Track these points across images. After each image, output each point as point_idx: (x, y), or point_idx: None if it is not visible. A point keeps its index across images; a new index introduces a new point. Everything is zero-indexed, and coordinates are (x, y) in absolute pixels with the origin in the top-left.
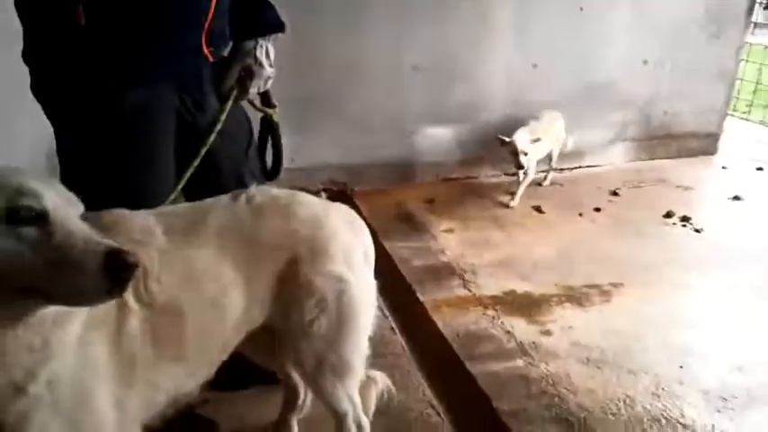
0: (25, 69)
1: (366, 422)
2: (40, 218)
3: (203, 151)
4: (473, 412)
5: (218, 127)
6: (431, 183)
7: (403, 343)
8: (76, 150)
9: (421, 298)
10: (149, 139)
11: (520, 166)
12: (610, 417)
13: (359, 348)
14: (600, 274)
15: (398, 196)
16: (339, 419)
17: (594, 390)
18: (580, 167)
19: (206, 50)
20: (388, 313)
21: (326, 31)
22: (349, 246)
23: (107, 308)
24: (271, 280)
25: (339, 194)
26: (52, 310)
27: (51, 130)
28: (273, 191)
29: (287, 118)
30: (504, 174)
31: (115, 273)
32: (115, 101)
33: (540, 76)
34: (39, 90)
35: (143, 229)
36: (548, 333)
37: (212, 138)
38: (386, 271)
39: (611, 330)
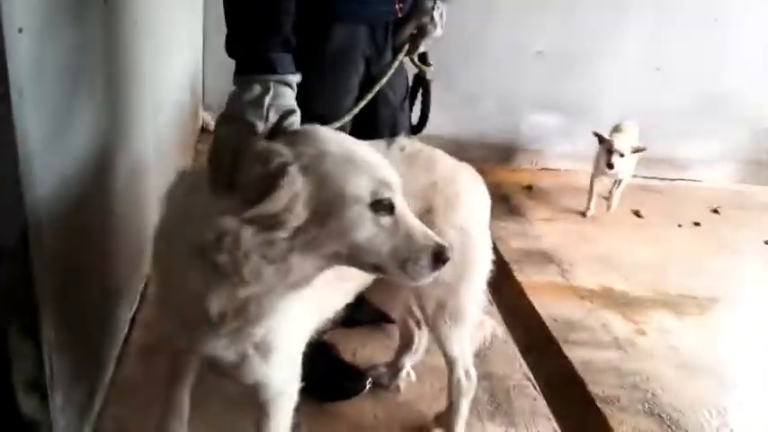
0: None
1: (474, 373)
2: (392, 208)
3: (376, 89)
4: (567, 392)
5: (390, 73)
6: (529, 169)
7: (500, 315)
8: None
9: (518, 277)
10: (345, 70)
11: (611, 165)
12: (702, 422)
13: (475, 298)
14: (697, 286)
15: (497, 177)
16: (450, 365)
17: (688, 394)
18: (682, 180)
19: (397, 6)
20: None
21: (453, 9)
22: (475, 203)
23: None
24: None
25: None
26: None
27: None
28: (418, 144)
29: None
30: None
31: (436, 263)
32: (326, 34)
33: (661, 81)
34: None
35: None
36: (643, 333)
37: (384, 81)
38: None
39: (707, 341)
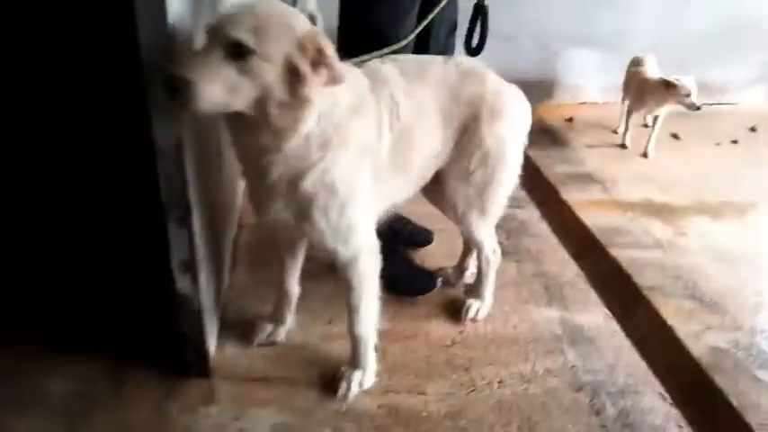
0: None
1: (499, 250)
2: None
3: (436, 11)
4: (615, 284)
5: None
6: (570, 104)
7: (549, 229)
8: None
9: (564, 197)
10: None
11: (697, 108)
12: (740, 302)
13: (501, 198)
14: (735, 194)
15: (538, 112)
16: (479, 248)
17: (728, 281)
18: (720, 104)
19: None
20: (534, 205)
21: None
22: (515, 117)
23: (372, 136)
24: (458, 129)
25: None
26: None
27: None
28: (473, 61)
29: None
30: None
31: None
32: None
33: (692, 10)
34: None
35: (388, 76)
36: (683, 234)
37: (443, 3)
38: (530, 174)
39: (745, 239)
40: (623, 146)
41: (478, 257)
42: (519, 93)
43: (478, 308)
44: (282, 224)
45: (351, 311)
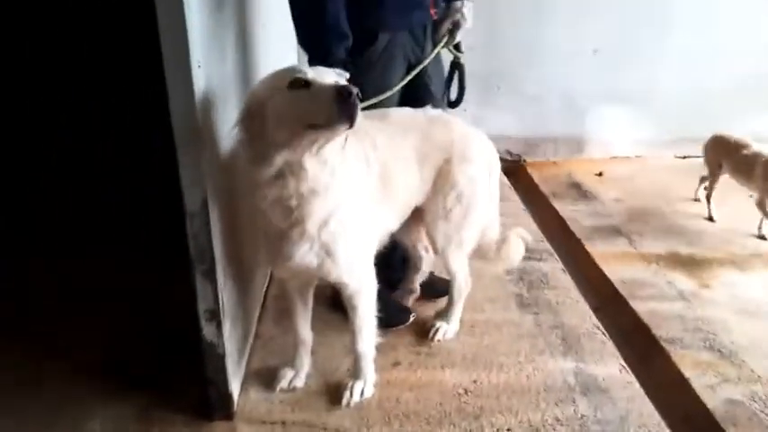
0: None
1: (470, 281)
2: (308, 83)
3: (418, 69)
4: (634, 337)
5: (430, 59)
6: (600, 159)
7: (571, 281)
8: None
9: (589, 249)
10: (389, 67)
11: None
12: (759, 352)
13: (475, 231)
14: (764, 245)
15: (568, 168)
16: (453, 278)
17: (747, 332)
18: None
19: (432, 11)
20: (557, 257)
21: (511, 16)
22: (482, 157)
23: (364, 170)
24: (433, 170)
25: (513, 164)
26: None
27: None
28: (440, 112)
29: (473, 92)
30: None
31: (342, 100)
32: (371, 40)
33: (722, 63)
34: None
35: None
36: (707, 287)
37: (426, 63)
38: (556, 227)
39: None
40: (711, 219)
41: (451, 286)
42: (484, 139)
43: (446, 330)
44: (304, 268)
45: (355, 332)
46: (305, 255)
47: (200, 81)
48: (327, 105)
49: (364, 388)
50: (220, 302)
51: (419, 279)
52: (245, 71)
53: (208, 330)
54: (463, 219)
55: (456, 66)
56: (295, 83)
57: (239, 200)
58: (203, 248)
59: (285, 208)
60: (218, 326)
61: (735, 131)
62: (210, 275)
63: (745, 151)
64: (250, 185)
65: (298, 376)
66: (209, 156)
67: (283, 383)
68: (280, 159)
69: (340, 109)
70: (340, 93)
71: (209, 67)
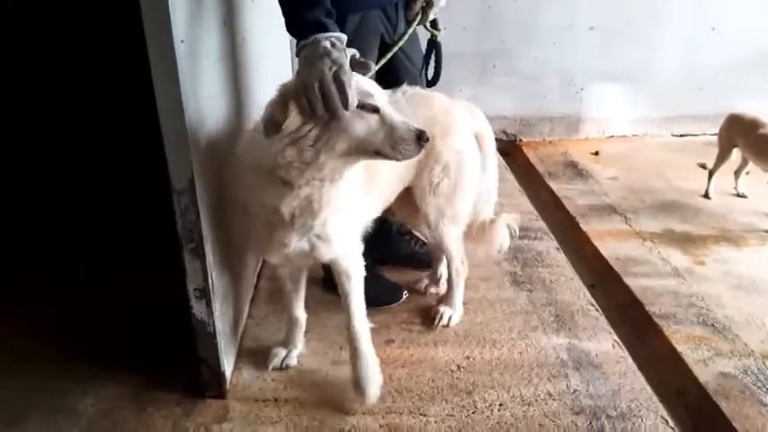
0: None
1: (466, 262)
2: (376, 109)
3: (392, 52)
4: (627, 313)
5: (404, 39)
6: (596, 138)
7: (566, 259)
8: None
9: (584, 228)
10: (361, 48)
11: None
12: (753, 326)
13: (467, 204)
14: (760, 222)
15: (564, 147)
16: (449, 258)
17: (741, 307)
18: None
19: None
20: (552, 236)
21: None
22: (466, 128)
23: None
24: None
25: (508, 144)
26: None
27: None
28: (417, 88)
29: (468, 72)
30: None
31: (420, 143)
32: (341, 22)
33: (719, 40)
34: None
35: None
36: (702, 263)
37: (400, 44)
38: (551, 206)
39: (764, 266)
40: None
41: (449, 268)
42: (468, 105)
43: (450, 315)
44: (299, 253)
45: (347, 309)
46: (301, 242)
47: (183, 57)
48: (411, 146)
49: (369, 369)
50: (210, 280)
51: (441, 268)
52: (232, 46)
53: (198, 308)
54: (453, 192)
55: (433, 44)
56: (364, 107)
57: (229, 185)
58: (191, 226)
59: (300, 206)
60: (208, 304)
61: (734, 108)
62: (199, 253)
63: (762, 130)
64: (256, 178)
65: (290, 355)
66: (194, 133)
67: (276, 362)
68: (328, 168)
69: (418, 149)
70: (420, 137)
71: (193, 43)
